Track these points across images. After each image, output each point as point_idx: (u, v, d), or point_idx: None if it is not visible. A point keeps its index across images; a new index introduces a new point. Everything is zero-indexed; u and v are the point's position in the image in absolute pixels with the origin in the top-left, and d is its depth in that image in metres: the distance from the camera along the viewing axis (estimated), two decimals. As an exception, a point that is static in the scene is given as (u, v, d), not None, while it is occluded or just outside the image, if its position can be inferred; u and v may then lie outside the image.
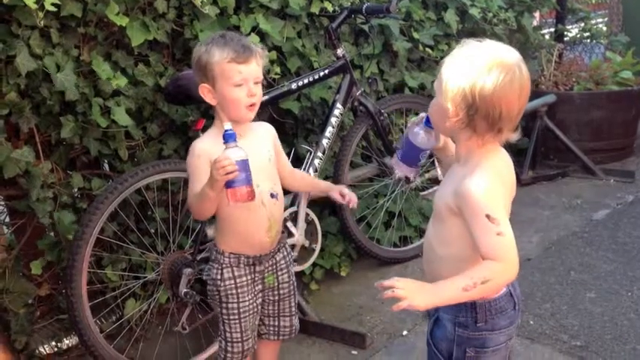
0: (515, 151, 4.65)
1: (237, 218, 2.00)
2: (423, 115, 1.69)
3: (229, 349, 2.11)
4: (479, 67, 1.44)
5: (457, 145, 1.57)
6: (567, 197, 4.26)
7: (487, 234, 1.43)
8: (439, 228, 1.59)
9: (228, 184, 1.78)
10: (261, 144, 2.06)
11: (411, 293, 1.44)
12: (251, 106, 1.96)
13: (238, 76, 1.91)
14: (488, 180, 1.47)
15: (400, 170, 1.78)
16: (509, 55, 1.48)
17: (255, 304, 2.11)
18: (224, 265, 2.05)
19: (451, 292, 1.45)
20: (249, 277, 2.08)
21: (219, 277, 2.06)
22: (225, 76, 1.91)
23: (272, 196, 2.02)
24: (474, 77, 1.43)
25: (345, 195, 2.26)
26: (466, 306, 1.54)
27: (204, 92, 1.97)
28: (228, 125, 1.81)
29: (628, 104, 4.80)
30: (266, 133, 2.13)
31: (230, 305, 2.07)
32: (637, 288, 2.97)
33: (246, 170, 1.78)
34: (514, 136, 1.53)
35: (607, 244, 3.48)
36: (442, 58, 3.80)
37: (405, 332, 2.75)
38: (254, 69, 1.94)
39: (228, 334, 2.10)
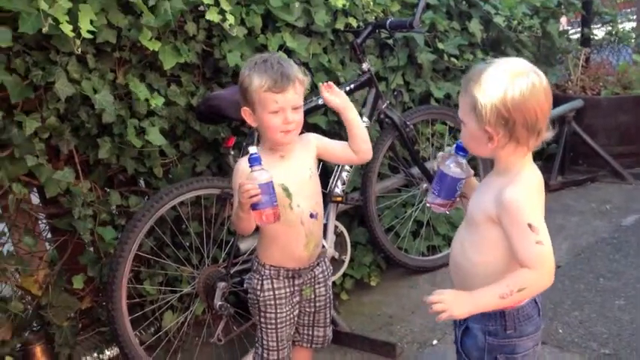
0: (543, 157, 4.68)
1: (277, 234, 2.08)
2: (449, 148, 1.74)
3: (265, 355, 2.20)
4: (502, 82, 1.50)
5: (498, 161, 1.61)
6: (596, 202, 4.27)
7: (527, 242, 1.49)
8: (474, 235, 1.64)
9: (254, 207, 1.87)
10: (301, 162, 2.10)
11: (450, 304, 1.50)
12: (287, 131, 2.00)
13: (274, 105, 1.95)
14: (528, 190, 1.53)
15: (438, 208, 1.80)
16: (521, 62, 1.56)
17: (292, 315, 2.19)
18: (264, 277, 2.13)
19: (488, 300, 1.52)
20: (287, 290, 2.15)
21: (259, 287, 2.14)
22: (262, 103, 1.96)
23: (311, 216, 2.08)
24: (501, 92, 1.49)
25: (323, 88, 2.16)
26: (495, 315, 1.60)
27: (246, 114, 2.03)
28: (253, 149, 1.90)
29: (656, 108, 4.78)
30: (306, 147, 2.13)
31: (268, 315, 2.15)
32: (666, 294, 2.98)
33: (270, 193, 1.86)
34: (549, 135, 1.58)
35: (636, 250, 3.49)
36: (467, 67, 3.86)
37: (435, 342, 2.80)
38: (291, 98, 1.97)
39: (265, 342, 2.19)
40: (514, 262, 1.52)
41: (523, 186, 1.52)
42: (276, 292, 2.14)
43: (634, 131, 4.76)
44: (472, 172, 1.78)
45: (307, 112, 2.93)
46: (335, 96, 2.12)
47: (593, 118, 4.75)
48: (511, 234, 1.50)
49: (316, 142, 2.16)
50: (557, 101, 4.75)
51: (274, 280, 2.13)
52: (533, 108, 1.50)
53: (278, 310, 2.15)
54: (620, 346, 2.61)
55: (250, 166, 1.87)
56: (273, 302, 2.14)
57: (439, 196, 1.77)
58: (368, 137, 2.16)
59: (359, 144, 2.14)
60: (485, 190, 1.61)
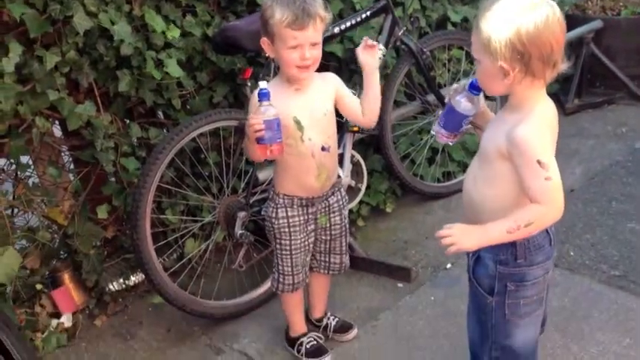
0: (560, 79, 4.63)
1: (289, 164, 2.15)
2: (464, 82, 1.74)
3: (281, 280, 2.32)
4: (515, 15, 1.49)
5: (512, 95, 1.61)
6: (612, 125, 4.25)
7: (536, 178, 1.52)
8: (486, 169, 1.67)
9: (258, 141, 1.94)
10: (317, 98, 2.13)
11: (460, 238, 1.57)
12: (304, 67, 2.02)
13: (293, 41, 1.97)
14: (540, 127, 1.55)
15: (441, 137, 1.82)
16: None
17: (306, 243, 2.28)
18: (279, 205, 2.22)
19: (496, 234, 1.57)
20: (301, 218, 2.24)
21: (274, 215, 2.23)
22: (282, 38, 1.98)
23: (323, 149, 2.13)
24: (515, 25, 1.48)
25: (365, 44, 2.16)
26: (506, 244, 1.64)
27: (265, 44, 2.06)
28: (263, 84, 1.95)
29: (677, 28, 4.68)
30: (326, 85, 2.16)
31: (283, 242, 2.25)
32: (678, 218, 3.03)
33: (273, 129, 1.93)
34: (565, 66, 1.58)
35: (650, 173, 3.51)
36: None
37: (448, 265, 2.88)
38: (310, 35, 1.98)
39: (280, 267, 2.30)
40: (524, 196, 1.56)
41: (534, 123, 1.54)
42: (290, 220, 2.23)
43: (654, 53, 4.68)
44: (482, 106, 1.79)
45: (324, 42, 2.93)
46: (369, 56, 2.12)
47: (612, 39, 4.65)
48: (521, 170, 1.54)
49: (338, 85, 2.19)
50: (576, 22, 4.75)
51: (288, 209, 2.21)
52: (548, 40, 1.50)
53: (292, 237, 2.24)
54: (630, 268, 2.68)
55: (259, 101, 1.93)
56: (287, 230, 2.23)
57: (444, 128, 1.80)
58: (379, 104, 2.20)
59: (370, 107, 2.17)
60: (498, 125, 1.63)
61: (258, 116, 1.93)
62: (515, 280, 1.68)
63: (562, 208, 1.54)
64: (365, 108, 2.17)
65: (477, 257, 1.73)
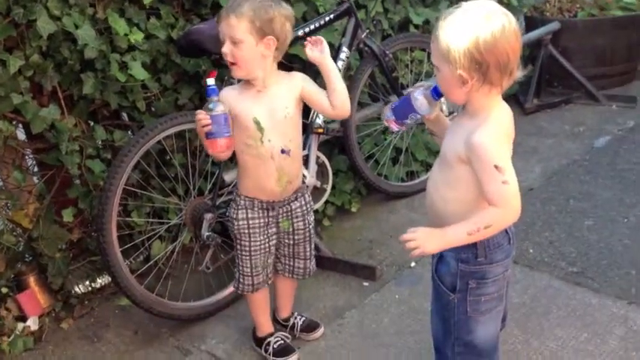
0: (520, 80, 4.73)
1: (248, 166, 2.19)
2: (430, 83, 1.79)
3: (241, 280, 2.36)
4: (472, 25, 1.53)
5: (469, 102, 1.66)
6: (570, 125, 4.37)
7: (494, 182, 1.57)
8: (446, 173, 1.72)
9: (207, 135, 2.04)
10: (279, 99, 2.14)
11: (423, 242, 1.62)
12: (230, 64, 2.08)
13: (220, 34, 2.07)
14: (496, 133, 1.60)
15: (386, 118, 1.87)
16: (489, 4, 1.58)
17: (267, 245, 2.31)
18: (240, 207, 2.25)
19: (457, 237, 1.63)
20: (261, 220, 2.27)
21: (234, 216, 2.27)
22: None
23: (282, 151, 2.15)
24: (473, 35, 1.53)
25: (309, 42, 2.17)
26: (467, 244, 1.71)
27: None
28: (210, 81, 2.04)
29: (631, 29, 4.81)
30: (289, 88, 2.17)
31: (243, 242, 2.29)
32: (633, 215, 3.12)
33: (220, 124, 2.03)
34: (520, 74, 1.63)
35: (606, 171, 3.61)
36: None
37: (412, 264, 2.94)
38: (224, 28, 2.04)
39: (240, 268, 2.34)
40: (483, 198, 1.61)
41: (491, 129, 1.59)
42: (250, 222, 2.26)
43: (609, 53, 4.81)
44: (438, 113, 1.84)
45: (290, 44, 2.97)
46: (316, 51, 2.13)
47: (569, 40, 4.78)
48: (479, 174, 1.59)
49: (303, 84, 2.19)
50: (534, 23, 4.86)
51: (249, 210, 2.25)
52: (505, 49, 1.55)
53: (252, 239, 2.28)
54: (588, 265, 2.77)
55: (207, 97, 2.04)
56: (247, 231, 2.27)
57: (393, 111, 1.84)
58: (347, 93, 2.17)
59: (337, 99, 2.15)
60: (457, 131, 1.68)
61: (206, 112, 2.02)
62: (476, 278, 1.73)
63: (519, 211, 1.59)
64: (332, 100, 2.15)
65: (439, 256, 1.78)
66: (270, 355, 2.44)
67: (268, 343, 2.46)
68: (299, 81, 2.20)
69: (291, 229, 2.33)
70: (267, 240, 2.31)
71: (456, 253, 1.72)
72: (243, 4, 2.01)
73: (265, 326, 2.50)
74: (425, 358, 2.30)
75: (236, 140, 2.14)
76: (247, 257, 2.31)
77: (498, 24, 1.54)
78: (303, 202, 2.33)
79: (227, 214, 2.36)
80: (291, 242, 2.36)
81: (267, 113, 2.12)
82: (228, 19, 2.02)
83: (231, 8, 2.02)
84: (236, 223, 2.27)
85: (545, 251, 2.90)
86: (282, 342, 2.47)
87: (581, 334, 2.35)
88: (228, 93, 2.18)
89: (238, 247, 2.31)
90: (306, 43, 2.14)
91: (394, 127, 1.87)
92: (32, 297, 2.83)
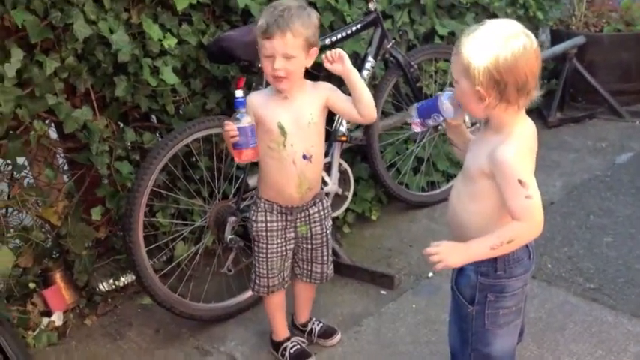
0: (544, 93, 4.75)
1: (270, 170, 2.24)
2: None
3: (256, 281, 2.41)
4: (494, 45, 1.58)
5: (491, 118, 1.70)
6: (592, 140, 4.38)
7: (517, 197, 1.61)
8: (469, 186, 1.76)
9: (233, 145, 2.11)
10: (304, 107, 2.19)
11: (446, 255, 1.65)
12: (276, 78, 2.10)
13: (264, 50, 2.08)
14: (519, 148, 1.64)
15: (409, 116, 1.91)
16: (512, 24, 1.63)
17: (284, 248, 2.36)
18: (259, 209, 2.32)
19: (480, 250, 1.67)
20: (279, 224, 2.32)
21: (254, 218, 2.33)
22: (259, 45, 2.11)
23: (304, 157, 2.20)
24: (494, 54, 1.57)
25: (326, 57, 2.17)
26: (487, 258, 1.74)
27: (258, 51, 2.15)
28: (239, 93, 2.09)
29: (658, 46, 4.82)
30: (315, 96, 2.21)
31: (260, 245, 2.35)
32: (653, 232, 3.14)
33: (247, 135, 2.09)
34: (537, 93, 1.67)
35: (627, 188, 3.62)
36: (472, 4, 3.87)
37: (430, 274, 2.97)
38: (278, 46, 2.04)
39: (256, 269, 2.40)
40: (505, 212, 1.65)
41: (515, 144, 1.63)
42: (268, 225, 2.32)
43: (634, 69, 4.81)
44: (463, 124, 1.88)
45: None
46: (338, 64, 2.14)
47: (594, 55, 4.79)
48: (503, 189, 1.63)
49: (329, 93, 2.23)
50: (559, 37, 4.87)
51: (268, 214, 2.31)
52: (524, 69, 1.59)
53: (269, 242, 2.33)
54: (605, 281, 2.78)
55: (235, 108, 2.09)
56: (264, 233, 2.32)
57: (418, 109, 1.87)
58: (373, 100, 2.20)
59: (364, 107, 2.18)
60: (481, 146, 1.72)
61: (234, 123, 2.08)
62: (495, 291, 1.77)
63: (541, 225, 1.63)
64: (358, 107, 2.19)
65: (459, 268, 1.81)
66: (286, 359, 2.48)
67: (285, 348, 2.50)
68: (326, 90, 2.25)
69: (309, 234, 2.37)
70: (284, 243, 2.36)
71: (475, 266, 1.76)
72: (295, 20, 2.04)
73: (281, 330, 2.54)
74: (440, 367, 2.34)
75: (260, 143, 2.19)
76: (264, 259, 2.36)
77: (519, 45, 1.58)
78: (321, 208, 2.38)
79: (248, 215, 2.42)
80: (309, 247, 2.41)
81: (292, 119, 2.17)
82: (284, 37, 2.03)
83: (285, 25, 2.02)
84: (255, 225, 2.33)
85: (563, 266, 2.92)
86: (299, 347, 2.51)
87: (595, 350, 2.38)
88: (255, 97, 2.24)
89: (256, 248, 2.37)
90: (324, 58, 2.15)
91: (417, 128, 1.91)
92: (58, 292, 2.89)
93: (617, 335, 2.44)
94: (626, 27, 4.86)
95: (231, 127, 2.08)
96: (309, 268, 2.47)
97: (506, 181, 1.62)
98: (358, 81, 2.18)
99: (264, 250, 2.35)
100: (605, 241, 3.11)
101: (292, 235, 2.37)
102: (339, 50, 2.15)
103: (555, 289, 2.75)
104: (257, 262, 2.39)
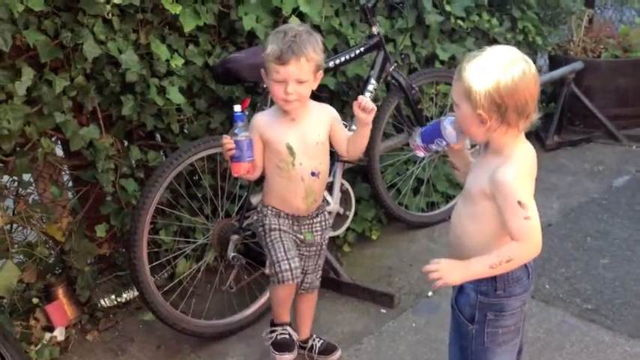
0: (542, 116, 4.81)
1: (278, 184, 2.31)
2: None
3: (278, 268, 2.32)
4: (495, 70, 1.63)
5: (491, 141, 1.75)
6: (590, 163, 4.44)
7: (517, 218, 1.65)
8: (470, 207, 1.80)
9: (231, 158, 2.17)
10: (312, 128, 2.27)
11: (446, 273, 1.69)
12: (288, 101, 2.17)
13: (277, 75, 2.14)
14: (519, 170, 1.68)
15: (412, 140, 1.95)
16: (512, 51, 1.69)
17: (295, 242, 2.40)
18: (266, 215, 2.38)
19: (479, 269, 1.71)
20: (287, 227, 2.39)
21: (260, 223, 2.39)
22: (269, 71, 2.16)
23: (313, 174, 2.28)
24: (494, 79, 1.63)
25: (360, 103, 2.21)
26: (487, 277, 1.78)
27: (263, 74, 2.23)
28: (237, 108, 2.17)
29: (654, 71, 4.90)
30: (322, 117, 2.31)
31: (273, 234, 2.36)
32: (649, 255, 3.18)
33: (244, 149, 2.16)
34: (536, 116, 1.72)
35: (624, 211, 3.67)
36: (472, 29, 3.95)
37: (430, 293, 3.00)
38: (292, 71, 2.11)
39: (274, 257, 2.34)
40: (504, 232, 1.70)
41: (514, 166, 1.68)
42: (278, 223, 2.37)
43: (631, 94, 4.88)
44: (464, 148, 1.92)
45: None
46: (368, 114, 2.19)
47: (592, 80, 4.87)
48: (503, 210, 1.67)
49: (335, 120, 2.33)
50: (558, 62, 4.95)
51: (274, 218, 2.37)
52: (524, 94, 1.64)
53: (282, 228, 2.36)
54: (602, 302, 2.82)
55: (234, 122, 2.16)
56: (277, 225, 2.36)
57: (421, 135, 1.90)
58: (364, 147, 2.35)
59: (356, 150, 2.34)
60: (481, 167, 1.77)
61: (232, 137, 2.15)
62: (494, 310, 1.80)
63: (540, 246, 1.67)
64: (350, 147, 2.34)
65: (459, 287, 1.85)
66: (269, 343, 2.53)
67: (274, 331, 2.53)
68: (333, 115, 2.34)
69: (312, 241, 2.44)
70: (295, 239, 2.40)
71: (475, 285, 1.80)
72: (307, 46, 2.11)
73: (283, 315, 2.53)
74: (440, 386, 2.36)
75: (268, 163, 2.28)
76: (279, 243, 2.34)
77: (519, 70, 1.64)
78: (323, 218, 2.46)
79: (253, 225, 2.48)
80: (305, 254, 2.46)
81: (300, 139, 2.24)
82: (299, 63, 2.10)
83: (299, 51, 2.09)
84: (263, 227, 2.37)
85: (560, 287, 2.96)
86: (287, 337, 2.52)
87: (593, 370, 2.41)
88: (261, 119, 2.30)
89: (269, 240, 2.36)
90: (355, 103, 2.19)
91: (420, 153, 1.95)
92: (60, 308, 2.91)
93: (615, 356, 2.47)
94: (623, 53, 4.94)
95: (228, 140, 2.16)
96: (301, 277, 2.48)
97: (506, 202, 1.66)
98: (367, 132, 2.28)
99: (277, 237, 2.35)
100: (602, 262, 3.15)
101: (302, 237, 2.42)
102: (373, 105, 2.21)
103: (553, 309, 2.79)
104: (274, 251, 2.34)
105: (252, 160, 2.21)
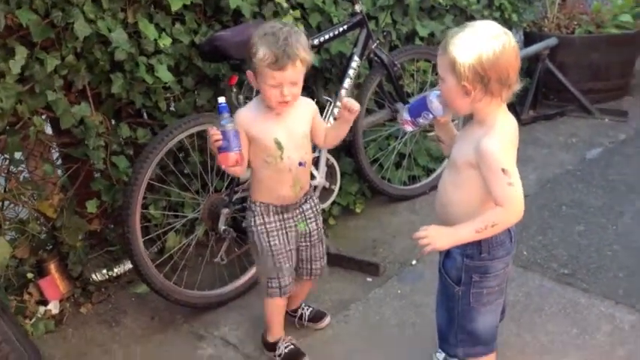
0: (518, 92, 4.92)
1: (266, 177, 2.31)
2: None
3: (268, 284, 2.44)
4: (477, 44, 1.73)
5: (476, 113, 1.85)
6: (564, 136, 4.58)
7: (500, 184, 1.76)
8: (456, 177, 1.91)
9: (218, 150, 2.14)
10: (297, 121, 2.29)
11: (434, 239, 1.80)
12: (282, 102, 2.17)
13: (272, 80, 2.12)
14: (502, 139, 1.79)
15: (401, 117, 2.05)
16: (493, 25, 1.79)
17: (287, 248, 2.42)
18: (256, 213, 2.38)
19: (466, 234, 1.82)
20: (278, 224, 2.39)
21: (252, 223, 2.39)
22: (262, 75, 2.13)
23: (300, 164, 2.30)
24: (477, 52, 1.73)
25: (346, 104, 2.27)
26: (472, 241, 1.88)
27: (250, 77, 2.20)
28: (221, 99, 2.14)
29: (626, 47, 5.04)
30: (305, 110, 2.34)
31: (263, 245, 2.39)
32: (622, 222, 3.32)
33: (231, 140, 2.12)
34: (518, 87, 1.82)
35: (597, 181, 3.82)
36: (451, 6, 4.03)
37: (413, 262, 3.12)
38: (289, 75, 2.11)
39: (265, 271, 2.43)
40: (489, 200, 1.80)
41: (498, 136, 1.78)
42: (267, 226, 2.38)
43: (603, 69, 5.03)
44: (449, 120, 2.03)
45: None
46: (351, 114, 2.27)
47: (566, 55, 4.99)
48: (487, 177, 1.78)
49: (316, 113, 2.37)
50: (533, 38, 5.06)
51: (264, 216, 2.37)
52: (505, 65, 1.75)
53: (271, 239, 2.38)
54: (578, 267, 2.96)
55: (218, 114, 2.13)
56: (265, 234, 2.38)
57: (409, 110, 2.01)
58: (339, 141, 2.45)
59: (332, 141, 2.43)
60: (466, 138, 1.87)
61: (218, 128, 2.13)
62: (479, 272, 1.91)
63: (522, 210, 1.78)
64: (328, 139, 2.41)
65: (446, 252, 1.96)
66: (280, 357, 2.54)
67: (279, 348, 2.55)
68: (314, 108, 2.38)
69: (307, 230, 2.46)
70: (286, 243, 2.41)
71: (462, 250, 1.90)
72: (299, 47, 2.10)
73: (278, 330, 2.58)
74: (424, 346, 2.47)
75: (255, 158, 2.27)
76: (270, 256, 2.39)
77: (500, 43, 1.74)
78: (312, 204, 2.48)
79: (245, 224, 2.47)
80: (309, 244, 2.49)
81: (287, 133, 2.25)
82: (295, 67, 2.10)
83: (294, 55, 2.09)
84: (255, 229, 2.38)
85: (538, 253, 3.09)
86: (293, 347, 2.56)
87: (570, 329, 2.54)
88: (245, 115, 2.26)
89: (262, 253, 2.40)
90: (344, 104, 2.26)
91: (409, 127, 2.04)
92: (52, 283, 2.98)
93: (591, 316, 2.61)
94: (596, 29, 5.06)
95: (214, 131, 2.13)
96: (309, 266, 2.54)
97: (490, 170, 1.77)
98: (346, 129, 2.37)
99: (268, 249, 2.39)
100: (577, 229, 3.29)
101: (294, 234, 2.43)
102: (358, 106, 2.27)
103: (532, 274, 2.92)
104: (265, 265, 2.41)
105: (240, 150, 2.17)
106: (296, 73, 2.13)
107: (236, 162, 2.16)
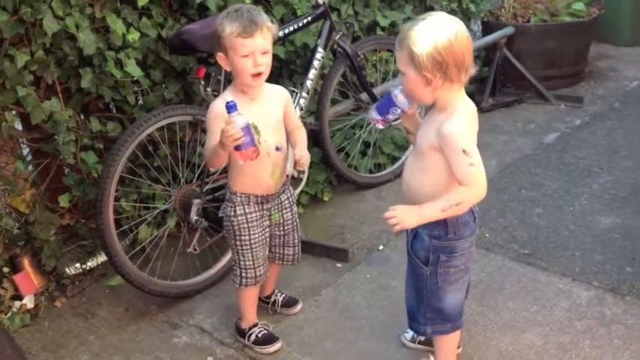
0: (477, 80, 5.08)
1: (247, 165, 2.31)
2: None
3: (243, 274, 2.50)
4: (431, 33, 1.84)
5: (437, 100, 1.94)
6: (522, 122, 4.73)
7: (462, 165, 1.86)
8: (421, 161, 2.01)
9: (237, 147, 2.15)
10: (271, 106, 2.37)
11: (402, 218, 1.90)
12: (257, 75, 2.24)
13: (244, 49, 2.20)
14: (463, 122, 1.90)
15: (371, 116, 2.15)
16: (442, 15, 1.90)
17: (263, 237, 2.50)
18: (237, 203, 2.43)
19: (432, 213, 1.91)
20: (258, 214, 2.46)
21: (232, 213, 2.44)
22: (234, 48, 2.21)
23: (277, 149, 2.38)
24: (432, 41, 1.83)
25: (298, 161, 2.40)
26: (439, 222, 1.98)
27: (221, 59, 2.28)
28: (229, 97, 2.19)
29: (579, 34, 5.22)
30: (278, 96, 2.42)
31: (243, 237, 2.45)
32: (578, 203, 3.48)
33: (249, 133, 2.14)
34: (474, 70, 1.93)
35: (554, 165, 3.97)
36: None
37: (381, 247, 3.23)
38: (259, 42, 2.20)
39: (242, 263, 2.49)
40: (454, 182, 1.90)
41: (458, 119, 1.88)
42: (248, 216, 2.44)
43: (558, 56, 5.18)
44: (414, 110, 2.12)
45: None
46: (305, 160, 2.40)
47: (522, 44, 5.14)
48: (450, 159, 1.88)
49: (288, 100, 2.45)
50: (490, 28, 5.20)
51: (245, 206, 2.43)
52: (460, 49, 1.85)
53: (251, 232, 2.45)
54: (537, 247, 3.09)
55: (229, 113, 2.11)
56: (246, 225, 2.44)
57: (377, 109, 2.11)
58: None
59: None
60: (429, 124, 1.97)
61: (233, 125, 2.09)
62: (446, 252, 2.02)
63: (485, 189, 1.89)
64: (290, 136, 2.49)
65: (415, 233, 2.06)
66: (253, 344, 2.60)
67: (252, 333, 2.61)
68: (286, 94, 2.46)
69: (281, 220, 2.53)
70: (263, 232, 2.49)
71: (429, 231, 2.01)
72: (262, 16, 2.21)
73: (252, 317, 2.64)
74: (392, 328, 2.58)
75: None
76: (248, 251, 2.46)
77: (451, 30, 1.85)
78: (289, 194, 2.56)
79: (222, 213, 2.51)
80: (282, 233, 2.57)
81: (262, 117, 2.32)
82: (263, 33, 2.19)
83: (261, 22, 2.19)
84: (235, 220, 2.43)
85: (499, 235, 3.22)
86: (266, 332, 2.62)
87: (531, 306, 2.67)
88: (220, 104, 2.25)
89: (238, 242, 2.46)
90: (297, 159, 2.39)
91: (380, 125, 2.14)
92: (27, 277, 3.00)
93: (550, 293, 2.74)
94: (551, 17, 5.21)
95: (236, 129, 2.08)
96: (282, 252, 2.62)
97: (452, 152, 1.87)
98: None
99: (247, 242, 2.45)
100: (536, 211, 3.43)
101: (267, 223, 2.50)
102: (305, 160, 2.41)
103: (493, 255, 3.05)
104: (241, 256, 2.47)
105: (256, 143, 2.19)
106: (265, 40, 2.22)
107: (256, 156, 2.19)
